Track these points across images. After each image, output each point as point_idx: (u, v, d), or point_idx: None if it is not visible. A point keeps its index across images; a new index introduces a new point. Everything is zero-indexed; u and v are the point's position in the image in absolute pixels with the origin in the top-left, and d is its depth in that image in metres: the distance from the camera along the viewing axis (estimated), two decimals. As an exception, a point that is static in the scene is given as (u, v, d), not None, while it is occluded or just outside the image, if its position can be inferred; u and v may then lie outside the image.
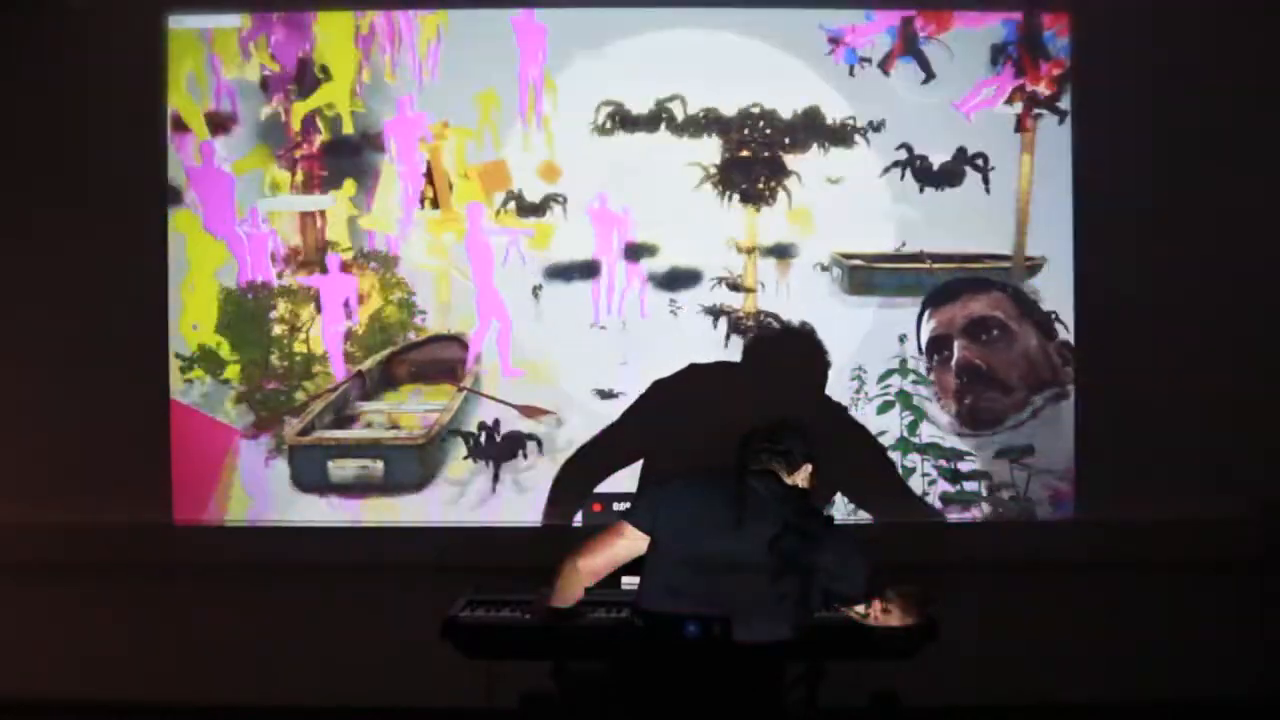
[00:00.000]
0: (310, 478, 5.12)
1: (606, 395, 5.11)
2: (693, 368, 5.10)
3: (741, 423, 3.61)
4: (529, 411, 5.12)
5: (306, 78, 5.16)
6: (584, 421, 5.11)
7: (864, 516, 5.09)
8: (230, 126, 5.17)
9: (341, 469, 5.11)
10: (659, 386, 5.10)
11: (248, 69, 5.17)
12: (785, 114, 5.13)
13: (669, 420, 5.02)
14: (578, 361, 5.12)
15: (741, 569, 3.32)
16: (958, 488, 5.10)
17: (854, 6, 5.14)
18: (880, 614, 3.42)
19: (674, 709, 3.36)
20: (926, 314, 5.14)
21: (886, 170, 5.10)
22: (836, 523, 3.62)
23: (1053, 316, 5.11)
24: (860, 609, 3.42)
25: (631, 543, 3.46)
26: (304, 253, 5.13)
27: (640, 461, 5.07)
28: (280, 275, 5.16)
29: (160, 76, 5.16)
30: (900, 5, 5.14)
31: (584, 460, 5.11)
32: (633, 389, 5.11)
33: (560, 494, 5.11)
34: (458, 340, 5.15)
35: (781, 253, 5.12)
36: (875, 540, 4.76)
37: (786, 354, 5.10)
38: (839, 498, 5.07)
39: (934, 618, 3.86)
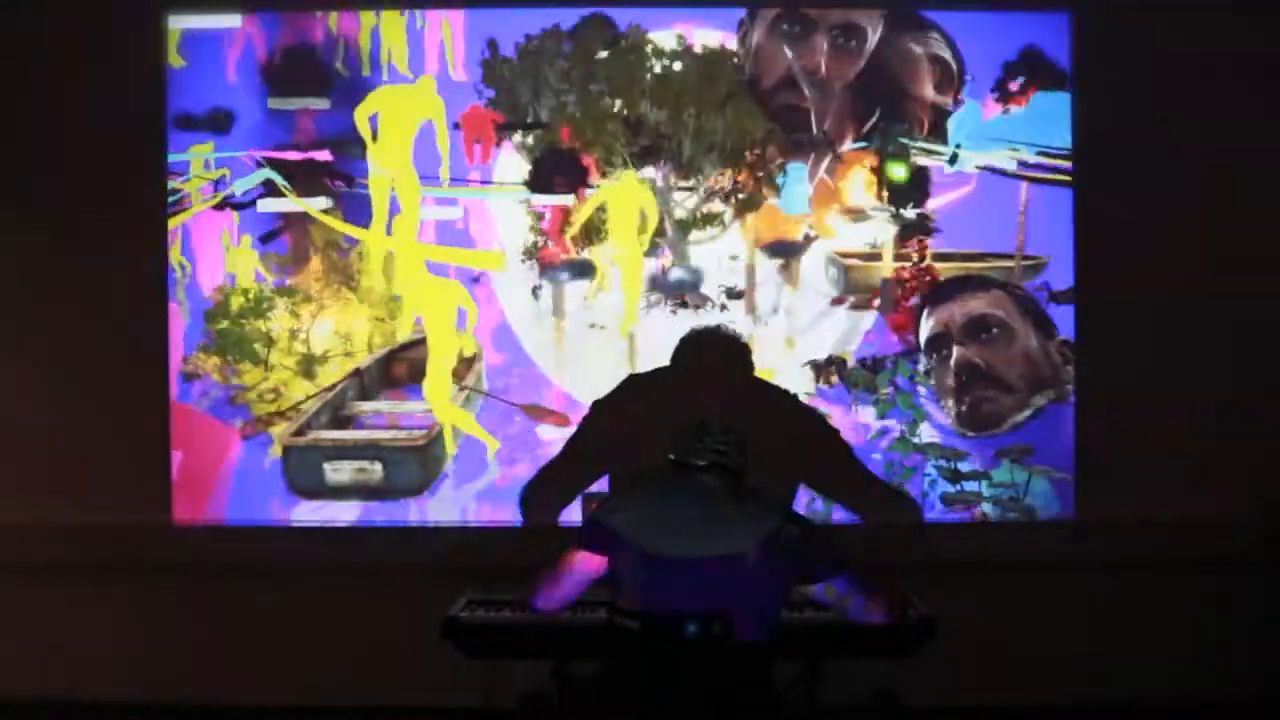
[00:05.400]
0: (305, 481, 5.04)
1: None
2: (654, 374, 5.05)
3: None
4: (534, 412, 5.11)
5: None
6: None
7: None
8: (231, 125, 5.17)
9: (338, 471, 5.01)
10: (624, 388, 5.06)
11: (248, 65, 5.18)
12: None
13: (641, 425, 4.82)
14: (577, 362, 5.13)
15: (718, 565, 3.32)
16: (958, 488, 5.10)
17: (857, 5, 5.14)
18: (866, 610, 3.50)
19: (673, 709, 3.37)
20: (925, 312, 5.14)
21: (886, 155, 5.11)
22: (803, 516, 3.65)
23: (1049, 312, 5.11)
24: (834, 593, 3.44)
25: (589, 566, 3.47)
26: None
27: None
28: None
29: (160, 76, 5.17)
30: (904, 6, 5.14)
31: (550, 476, 5.04)
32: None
33: (529, 510, 5.05)
34: (456, 338, 5.14)
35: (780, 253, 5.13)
36: (874, 540, 4.79)
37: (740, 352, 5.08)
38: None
39: (931, 617, 3.87)
